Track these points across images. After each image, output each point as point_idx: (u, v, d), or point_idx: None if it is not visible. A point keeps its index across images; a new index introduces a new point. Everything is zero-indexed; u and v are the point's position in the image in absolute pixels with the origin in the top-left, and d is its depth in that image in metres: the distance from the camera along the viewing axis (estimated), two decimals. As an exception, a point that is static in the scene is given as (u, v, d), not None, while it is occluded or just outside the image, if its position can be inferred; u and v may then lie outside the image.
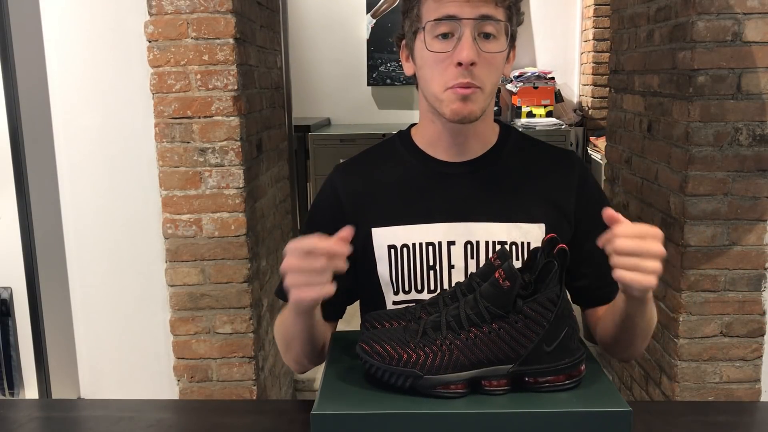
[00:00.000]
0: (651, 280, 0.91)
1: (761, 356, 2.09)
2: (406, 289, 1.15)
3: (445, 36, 1.06)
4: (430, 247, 1.14)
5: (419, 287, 1.14)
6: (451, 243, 1.13)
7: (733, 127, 1.97)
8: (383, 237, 1.15)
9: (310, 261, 0.91)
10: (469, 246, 1.13)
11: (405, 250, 1.14)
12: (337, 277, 0.97)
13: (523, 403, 0.82)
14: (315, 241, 0.92)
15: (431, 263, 1.14)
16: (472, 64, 1.04)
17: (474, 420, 0.80)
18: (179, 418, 1.12)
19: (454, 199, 1.15)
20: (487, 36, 1.05)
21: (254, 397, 2.19)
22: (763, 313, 2.07)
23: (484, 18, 1.04)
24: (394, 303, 1.15)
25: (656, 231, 0.92)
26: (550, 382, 0.84)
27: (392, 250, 1.14)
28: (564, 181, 1.19)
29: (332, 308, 1.18)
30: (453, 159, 1.18)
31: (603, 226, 1.02)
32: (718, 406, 1.34)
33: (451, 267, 1.14)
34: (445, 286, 1.14)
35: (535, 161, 1.21)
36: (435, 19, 1.05)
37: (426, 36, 1.07)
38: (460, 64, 1.04)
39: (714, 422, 1.04)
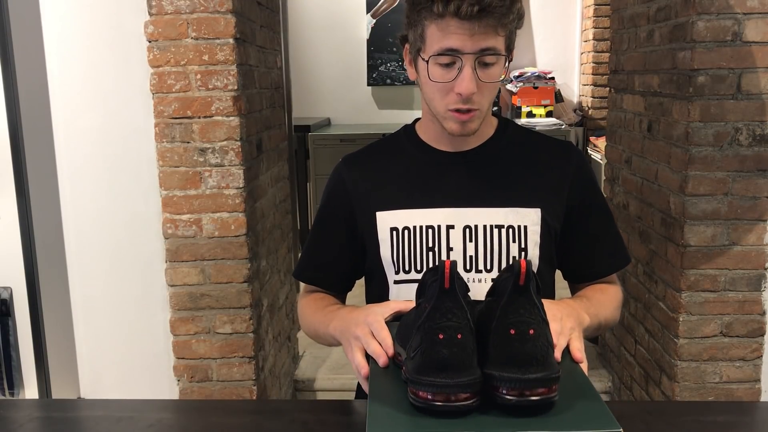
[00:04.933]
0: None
1: (761, 356, 2.09)
2: (406, 269, 1.22)
3: (446, 65, 1.11)
4: (430, 230, 1.20)
5: (419, 268, 1.21)
6: (450, 227, 1.20)
7: (733, 127, 1.97)
8: (386, 220, 1.23)
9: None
10: (467, 230, 1.20)
11: (406, 232, 1.21)
12: (344, 258, 1.29)
13: (510, 426, 0.80)
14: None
15: (431, 245, 1.20)
16: (472, 94, 1.11)
17: None
18: (179, 418, 1.12)
19: (454, 186, 1.23)
20: (486, 64, 1.11)
21: (254, 397, 2.19)
22: (763, 313, 2.07)
23: (485, 51, 1.09)
24: (395, 282, 1.23)
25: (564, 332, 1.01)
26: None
27: (394, 232, 1.22)
28: (560, 169, 1.25)
29: (343, 283, 1.34)
30: (452, 150, 1.25)
31: (593, 214, 1.27)
32: (718, 406, 1.34)
33: (449, 249, 1.20)
34: None
35: (532, 149, 1.28)
36: (438, 53, 1.10)
37: (429, 64, 1.12)
38: (460, 94, 1.11)
39: (714, 422, 1.04)
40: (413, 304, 0.99)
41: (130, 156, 2.15)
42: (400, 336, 0.96)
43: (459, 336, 0.81)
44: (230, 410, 1.14)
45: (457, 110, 1.13)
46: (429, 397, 0.81)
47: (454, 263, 0.82)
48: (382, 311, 1.04)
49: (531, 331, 0.80)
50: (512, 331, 0.81)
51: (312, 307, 1.29)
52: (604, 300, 1.24)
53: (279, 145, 2.72)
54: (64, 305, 2.25)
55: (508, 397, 0.80)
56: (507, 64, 1.15)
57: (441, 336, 0.81)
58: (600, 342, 2.97)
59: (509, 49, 1.14)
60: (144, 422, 1.07)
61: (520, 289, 0.81)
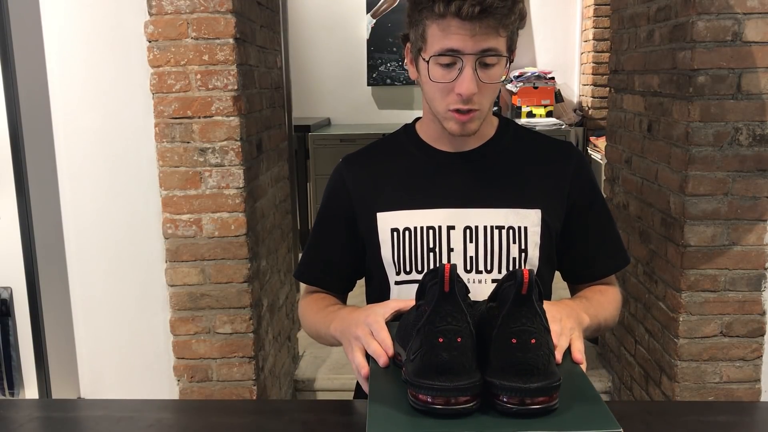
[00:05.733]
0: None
1: (761, 356, 2.09)
2: (407, 269, 1.22)
3: (447, 65, 1.11)
4: (431, 231, 1.20)
5: (419, 268, 1.21)
6: (450, 227, 1.20)
7: (733, 127, 1.97)
8: (387, 221, 1.22)
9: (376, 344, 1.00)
10: (468, 231, 1.20)
11: (407, 232, 1.21)
12: (346, 259, 1.29)
13: (510, 426, 0.80)
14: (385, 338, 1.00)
15: (431, 246, 1.20)
16: (473, 94, 1.10)
17: None
18: (179, 418, 1.12)
19: (455, 186, 1.23)
20: (486, 65, 1.11)
21: (254, 397, 2.19)
22: (763, 313, 2.07)
23: (486, 52, 1.09)
24: (396, 283, 1.23)
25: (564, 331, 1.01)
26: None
27: (395, 233, 1.22)
28: (561, 169, 1.25)
29: (344, 283, 1.33)
30: (453, 150, 1.25)
31: (593, 215, 1.27)
32: (718, 406, 1.34)
33: (450, 250, 1.20)
34: None
35: (533, 150, 1.28)
36: (438, 54, 1.10)
37: (430, 64, 1.12)
38: (460, 94, 1.11)
39: (714, 422, 1.04)
40: (413, 303, 0.99)
41: (130, 156, 2.15)
42: (400, 336, 0.96)
43: (459, 339, 0.81)
44: (230, 410, 1.14)
45: (458, 111, 1.13)
46: (429, 400, 0.81)
47: (453, 267, 0.82)
48: (382, 311, 1.04)
49: (533, 341, 0.80)
50: (514, 341, 0.81)
51: (313, 308, 1.28)
52: (604, 301, 1.24)
53: (279, 145, 2.72)
54: (64, 305, 2.25)
55: (509, 405, 0.80)
56: (508, 64, 1.14)
57: (441, 339, 0.81)
58: (600, 342, 2.97)
59: (510, 49, 1.14)
60: (144, 422, 1.07)
61: (522, 299, 0.81)
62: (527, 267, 1.20)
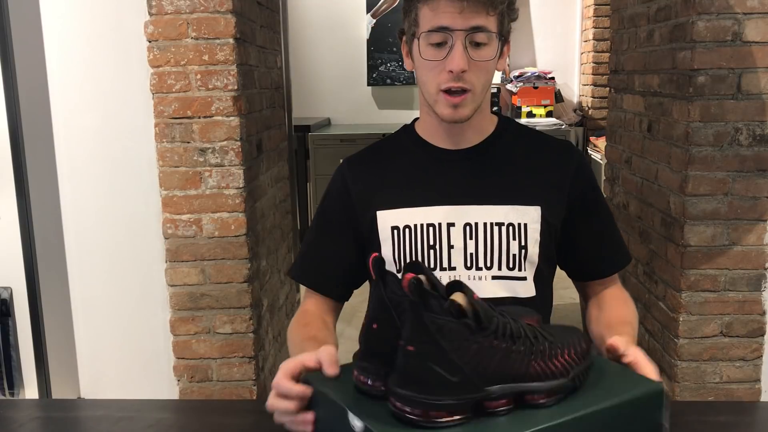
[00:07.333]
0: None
1: (761, 356, 2.09)
2: None
3: (438, 44, 1.13)
4: (431, 228, 1.20)
5: None
6: (450, 224, 1.20)
7: (733, 127, 1.97)
8: (387, 219, 1.22)
9: (285, 404, 0.89)
10: (468, 227, 1.20)
11: (407, 230, 1.21)
12: (343, 261, 1.26)
13: (559, 411, 0.78)
14: (288, 387, 0.89)
15: (431, 243, 1.20)
16: (463, 71, 1.11)
17: None
18: (179, 418, 1.12)
19: (454, 183, 1.23)
20: (477, 44, 1.12)
21: (254, 397, 2.19)
22: (763, 313, 2.07)
23: (475, 29, 1.11)
24: None
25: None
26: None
27: (395, 231, 1.22)
28: (561, 168, 1.25)
29: (339, 288, 1.29)
30: (452, 147, 1.25)
31: (595, 214, 1.27)
32: (718, 406, 1.33)
33: (450, 247, 1.20)
34: (445, 265, 1.21)
35: (533, 148, 1.28)
36: (428, 30, 1.12)
37: (421, 43, 1.14)
38: (451, 71, 1.12)
39: (714, 422, 1.04)
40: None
41: (130, 156, 2.15)
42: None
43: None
44: (230, 410, 1.14)
45: (449, 91, 1.14)
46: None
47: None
48: (291, 365, 0.91)
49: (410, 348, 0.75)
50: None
51: (292, 336, 1.21)
52: (632, 317, 1.21)
53: (279, 145, 2.72)
54: (64, 305, 2.25)
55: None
56: (500, 46, 1.15)
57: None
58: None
59: (502, 33, 1.15)
60: (144, 422, 1.07)
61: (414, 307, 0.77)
62: (527, 263, 1.20)
